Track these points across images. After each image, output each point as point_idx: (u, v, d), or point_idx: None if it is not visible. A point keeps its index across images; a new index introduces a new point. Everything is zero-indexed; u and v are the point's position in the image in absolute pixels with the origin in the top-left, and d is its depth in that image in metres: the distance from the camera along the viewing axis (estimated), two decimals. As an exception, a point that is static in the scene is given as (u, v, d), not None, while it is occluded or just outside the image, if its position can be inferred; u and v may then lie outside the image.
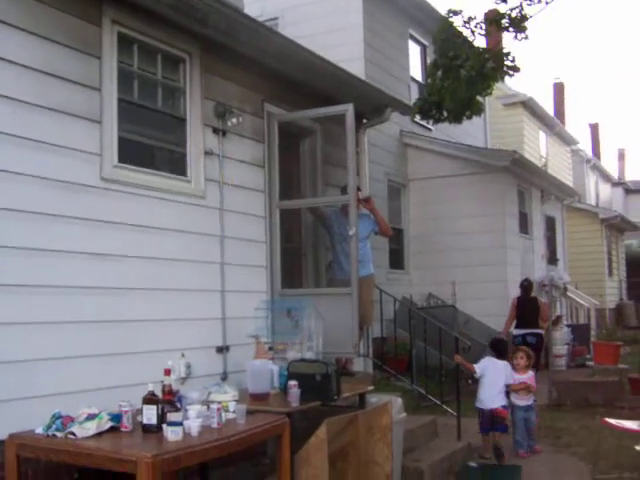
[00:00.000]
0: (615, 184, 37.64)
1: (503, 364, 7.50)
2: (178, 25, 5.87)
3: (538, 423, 8.04)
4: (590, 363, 13.10)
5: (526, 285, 12.24)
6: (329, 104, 7.26)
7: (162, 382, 4.51)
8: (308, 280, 7.99)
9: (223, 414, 4.40)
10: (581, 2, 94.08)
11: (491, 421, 7.25)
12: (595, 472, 6.61)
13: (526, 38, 9.97)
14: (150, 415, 4.11)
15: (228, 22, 6.02)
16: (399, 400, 6.26)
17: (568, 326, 14.54)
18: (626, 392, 9.42)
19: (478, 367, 7.49)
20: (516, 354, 7.72)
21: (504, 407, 7.32)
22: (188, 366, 5.61)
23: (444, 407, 7.88)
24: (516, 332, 11.79)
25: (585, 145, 32.30)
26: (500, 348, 7.84)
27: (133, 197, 5.43)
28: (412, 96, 13.41)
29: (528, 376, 7.61)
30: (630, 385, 9.40)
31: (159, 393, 4.27)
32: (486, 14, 10.77)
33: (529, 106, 22.48)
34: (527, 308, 11.87)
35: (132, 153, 5.59)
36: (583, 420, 8.74)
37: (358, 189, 7.53)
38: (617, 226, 24.70)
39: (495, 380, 7.35)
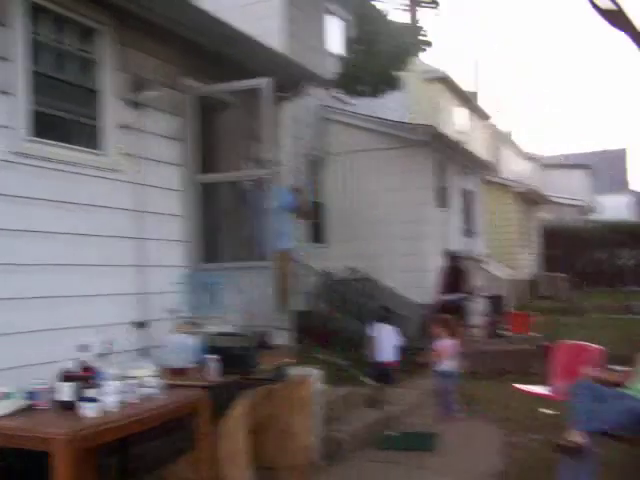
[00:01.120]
0: (530, 159, 38.64)
1: (391, 327, 8.80)
2: (91, -5, 5.73)
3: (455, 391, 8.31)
4: (505, 332, 13.50)
5: (452, 255, 12.74)
6: (249, 77, 7.21)
7: (79, 359, 4.47)
8: (228, 254, 7.96)
9: (141, 389, 4.38)
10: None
11: (381, 371, 8.35)
12: (507, 436, 6.86)
13: (441, 12, 10.14)
14: (66, 392, 4.07)
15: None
16: (318, 372, 6.34)
17: (484, 297, 14.92)
18: (538, 359, 9.73)
19: (370, 330, 8.75)
20: (433, 324, 7.98)
21: (392, 361, 8.58)
22: (107, 342, 5.53)
23: (363, 379, 8.01)
24: (448, 298, 12.18)
25: (502, 121, 33.00)
26: (384, 314, 9.27)
27: (46, 171, 5.30)
28: (332, 70, 13.43)
29: (443, 344, 7.90)
30: (542, 353, 9.72)
31: (77, 370, 4.22)
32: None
33: (447, 82, 22.82)
34: (454, 275, 12.34)
35: (45, 126, 5.44)
36: (497, 387, 9.02)
37: (276, 163, 7.53)
38: (531, 199, 25.38)
39: (383, 339, 8.55)
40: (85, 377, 4.23)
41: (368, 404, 7.53)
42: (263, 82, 6.89)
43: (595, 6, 8.68)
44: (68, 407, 4.02)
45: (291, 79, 8.50)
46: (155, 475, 5.21)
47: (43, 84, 5.49)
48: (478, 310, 13.70)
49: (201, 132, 7.17)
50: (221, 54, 7.28)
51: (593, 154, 52.44)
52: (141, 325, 6.07)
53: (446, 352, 7.89)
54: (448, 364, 7.91)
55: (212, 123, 7.98)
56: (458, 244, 15.35)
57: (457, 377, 8.02)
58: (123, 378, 4.48)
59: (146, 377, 4.55)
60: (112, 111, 6.04)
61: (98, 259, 5.72)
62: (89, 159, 5.78)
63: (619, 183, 49.71)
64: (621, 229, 28.40)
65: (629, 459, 5.26)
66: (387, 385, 8.19)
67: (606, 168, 47.98)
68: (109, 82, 6.05)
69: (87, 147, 5.84)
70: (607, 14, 8.66)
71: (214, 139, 7.99)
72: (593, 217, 36.88)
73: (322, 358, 8.44)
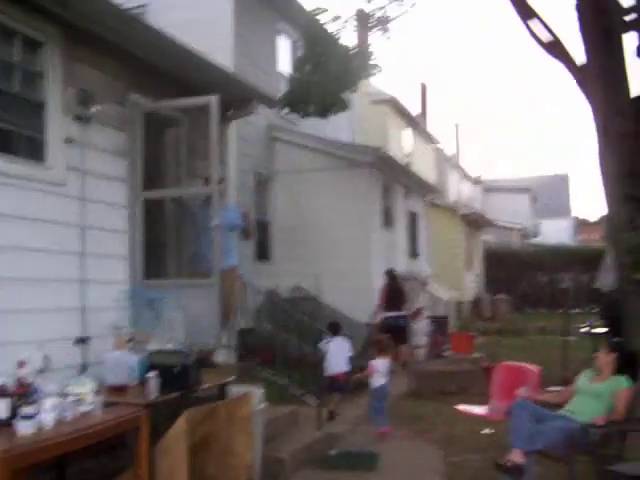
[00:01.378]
0: (474, 183, 39.28)
1: (341, 339, 8.81)
2: (38, 6, 5.67)
3: (397, 410, 8.40)
4: (448, 353, 13.66)
5: (394, 274, 13.04)
6: (196, 94, 7.23)
7: (16, 375, 4.39)
8: (171, 271, 7.92)
9: (79, 406, 4.32)
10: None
11: (332, 384, 8.40)
12: (448, 455, 6.94)
13: (390, 36, 10.30)
14: (0, 409, 3.99)
15: (91, 6, 5.88)
16: (259, 391, 6.32)
17: (428, 318, 15.08)
18: (479, 379, 9.88)
19: (321, 346, 8.66)
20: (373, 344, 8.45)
21: (343, 373, 8.55)
22: (45, 358, 5.42)
23: (305, 397, 8.03)
24: (388, 315, 12.54)
25: (448, 144, 33.53)
26: (335, 328, 9.21)
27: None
28: (281, 90, 13.50)
29: (374, 363, 8.14)
30: (483, 373, 9.87)
31: (13, 386, 4.15)
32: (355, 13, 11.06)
33: (394, 104, 23.10)
34: (395, 294, 12.66)
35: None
36: (439, 407, 9.10)
37: (222, 180, 7.54)
38: (476, 222, 25.80)
39: (335, 352, 8.58)
40: (21, 393, 4.16)
41: (328, 417, 8.01)
42: (211, 99, 6.91)
43: (536, 38, 8.96)
44: (2, 424, 3.94)
45: (239, 97, 8.52)
46: (93, 494, 5.14)
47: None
48: (422, 330, 13.85)
49: (147, 148, 7.14)
50: (169, 71, 7.28)
51: (536, 179, 53.48)
52: (82, 341, 5.98)
53: (376, 370, 8.09)
54: (379, 381, 8.08)
55: (159, 139, 7.95)
56: (402, 265, 15.51)
57: (387, 394, 8.18)
58: (62, 395, 4.42)
59: (85, 394, 4.49)
60: (58, 125, 5.99)
61: (40, 273, 5.64)
62: (33, 172, 5.70)
63: (561, 208, 50.80)
64: (561, 253, 29.06)
65: (558, 476, 5.37)
66: (342, 395, 8.45)
67: (549, 193, 48.99)
68: (55, 95, 5.99)
69: (32, 160, 5.77)
70: (546, 45, 8.95)
71: (160, 155, 7.97)
72: (535, 241, 37.64)
73: (265, 377, 8.44)
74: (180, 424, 4.94)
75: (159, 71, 7.21)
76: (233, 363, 8.28)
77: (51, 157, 5.94)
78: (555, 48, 9.05)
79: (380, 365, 8.15)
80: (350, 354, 8.79)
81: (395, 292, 12.75)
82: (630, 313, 8.81)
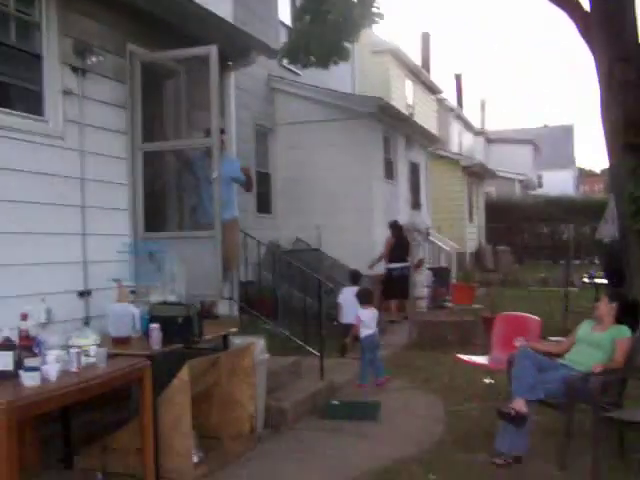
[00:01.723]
0: (477, 133, 39.05)
1: (356, 288, 9.40)
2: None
3: (398, 361, 8.48)
4: (449, 304, 13.74)
5: (399, 225, 13.15)
6: (195, 45, 7.12)
7: (20, 327, 4.43)
8: (172, 223, 7.91)
9: (83, 358, 4.36)
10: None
11: (347, 330, 8.98)
12: (448, 405, 7.02)
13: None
14: (5, 361, 4.03)
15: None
16: (262, 341, 6.38)
17: (430, 269, 15.13)
18: (480, 330, 9.94)
19: (340, 297, 9.70)
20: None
21: None
22: (48, 311, 5.45)
23: (308, 348, 8.08)
24: (393, 266, 12.69)
25: (450, 95, 33.24)
26: (355, 277, 10.39)
27: (-18, 136, 5.18)
28: (281, 40, 13.34)
29: (363, 312, 8.29)
30: (483, 324, 9.93)
31: (17, 339, 4.18)
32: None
33: (396, 54, 22.83)
34: (401, 245, 12.72)
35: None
36: (440, 358, 9.18)
37: (222, 132, 7.49)
38: (477, 173, 25.70)
39: (352, 301, 8.91)
40: (26, 346, 4.20)
41: (341, 352, 8.93)
42: (211, 49, 6.81)
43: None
44: (7, 376, 3.98)
45: (239, 47, 8.42)
46: (99, 444, 5.21)
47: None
48: (423, 282, 13.91)
49: (147, 100, 7.07)
50: (167, 21, 7.17)
51: (540, 129, 53.22)
52: (84, 294, 6.01)
53: (361, 320, 8.24)
54: (365, 332, 8.20)
55: (158, 91, 7.88)
56: (404, 216, 15.50)
57: (376, 344, 8.26)
58: (65, 347, 4.46)
59: (89, 346, 4.53)
60: (55, 76, 5.90)
61: (41, 227, 5.62)
62: (30, 125, 5.65)
63: (565, 159, 50.62)
64: (562, 204, 29.03)
65: (559, 424, 5.44)
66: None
67: (553, 144, 48.78)
68: (52, 46, 5.90)
69: (29, 113, 5.71)
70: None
71: (159, 107, 7.90)
72: (538, 192, 37.58)
73: (267, 328, 8.49)
74: (183, 375, 4.99)
75: (157, 21, 7.09)
76: (235, 315, 8.32)
77: (49, 110, 5.88)
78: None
79: (365, 315, 8.29)
80: None
81: (400, 243, 12.79)
82: (631, 263, 8.85)
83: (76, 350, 4.34)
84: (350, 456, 5.65)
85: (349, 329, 8.86)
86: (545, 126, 56.83)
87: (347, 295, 9.70)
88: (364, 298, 8.50)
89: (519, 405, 5.17)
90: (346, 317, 9.53)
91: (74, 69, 6.08)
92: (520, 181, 36.08)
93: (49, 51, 5.90)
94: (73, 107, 6.06)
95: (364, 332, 8.19)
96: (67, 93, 6.00)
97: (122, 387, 4.94)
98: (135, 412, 4.93)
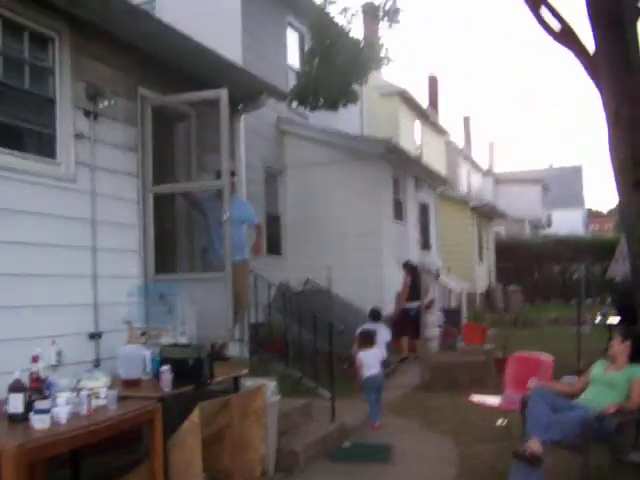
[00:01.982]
0: (486, 174, 39.18)
1: (382, 325, 10.31)
2: (47, 3, 5.68)
3: (409, 402, 8.40)
4: (460, 345, 13.63)
5: (414, 265, 13.41)
6: (205, 88, 7.21)
7: (31, 370, 4.41)
8: (182, 265, 7.94)
9: (93, 400, 4.34)
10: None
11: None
12: (460, 446, 6.93)
13: (398, 28, 10.29)
14: (16, 404, 4.01)
15: (100, 2, 5.87)
16: (272, 383, 6.33)
17: (440, 310, 15.07)
18: (492, 371, 9.86)
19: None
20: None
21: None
22: (59, 353, 5.46)
23: (319, 390, 8.03)
24: (409, 306, 12.86)
25: (458, 137, 33.45)
26: (375, 315, 10.75)
27: (-2, 180, 5.23)
28: (290, 83, 13.49)
29: (363, 354, 8.34)
30: (495, 364, 9.85)
31: (27, 381, 4.17)
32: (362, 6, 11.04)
33: (404, 97, 23.05)
34: (415, 285, 12.89)
35: (-3, 134, 5.39)
36: (451, 399, 9.10)
37: (233, 174, 7.55)
38: (486, 214, 25.72)
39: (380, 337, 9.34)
40: (36, 388, 4.18)
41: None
42: (221, 93, 6.90)
43: (546, 27, 8.91)
44: (18, 419, 3.96)
45: (248, 91, 8.52)
46: (108, 487, 5.17)
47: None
48: (434, 322, 13.84)
49: (157, 143, 7.14)
50: (178, 65, 7.28)
51: (549, 170, 53.35)
52: (95, 336, 6.01)
53: (362, 362, 8.27)
54: (367, 372, 8.16)
55: (169, 134, 7.96)
56: (414, 256, 15.48)
57: (379, 385, 8.21)
58: (76, 389, 4.45)
59: (99, 388, 4.51)
60: (67, 120, 5.99)
61: (52, 269, 5.65)
62: (43, 168, 5.71)
63: (574, 199, 50.65)
64: (572, 243, 28.94)
65: (574, 467, 5.36)
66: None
67: (562, 184, 48.83)
68: (64, 91, 5.99)
69: (41, 156, 5.78)
70: (556, 34, 8.90)
71: (170, 150, 7.97)
72: (547, 232, 37.52)
73: (278, 370, 8.45)
74: (194, 417, 4.95)
75: (168, 66, 7.21)
76: (246, 357, 8.29)
77: (61, 153, 5.95)
78: (565, 36, 8.98)
79: (365, 357, 8.28)
80: (389, 339, 10.10)
81: (415, 283, 12.89)
82: (643, 302, 8.77)
83: (86, 392, 4.32)
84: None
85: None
86: (551, 167, 57.01)
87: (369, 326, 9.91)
88: (364, 341, 8.55)
89: (534, 445, 5.09)
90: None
91: (86, 113, 6.16)
92: (529, 221, 36.07)
93: (62, 95, 5.99)
94: (85, 150, 6.12)
95: (368, 372, 8.14)
96: (79, 136, 6.07)
97: (133, 429, 4.91)
98: (146, 454, 4.89)
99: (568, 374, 7.56)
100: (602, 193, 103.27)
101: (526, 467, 5.10)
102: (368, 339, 8.57)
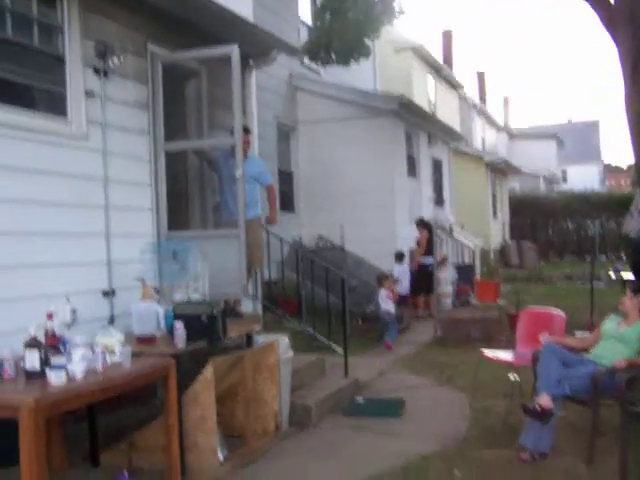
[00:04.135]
0: (500, 130, 38.81)
1: (405, 266, 12.83)
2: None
3: (422, 358, 8.45)
4: (474, 301, 13.68)
5: (425, 223, 13.59)
6: (216, 44, 7.14)
7: (46, 327, 4.46)
8: (195, 222, 7.95)
9: (108, 357, 4.39)
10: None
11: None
12: (472, 401, 6.98)
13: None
14: (32, 360, 4.05)
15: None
16: (285, 339, 6.39)
17: (454, 266, 15.08)
18: (504, 327, 9.88)
19: (396, 271, 12.26)
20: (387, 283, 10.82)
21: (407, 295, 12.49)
22: (73, 311, 5.48)
23: (332, 346, 8.08)
24: (427, 261, 12.99)
25: (472, 92, 33.07)
26: (399, 256, 12.77)
27: (8, 139, 5.23)
28: (302, 39, 13.35)
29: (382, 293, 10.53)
30: (508, 320, 9.87)
31: (43, 338, 4.21)
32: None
33: (418, 51, 22.79)
34: (430, 241, 12.92)
35: (8, 93, 5.37)
36: (464, 354, 9.13)
37: (248, 131, 7.52)
38: (501, 170, 25.56)
39: (400, 275, 12.17)
40: (52, 345, 4.23)
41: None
42: (232, 49, 6.82)
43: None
44: (35, 375, 4.01)
45: (260, 46, 8.44)
46: (125, 441, 5.25)
47: (5, 50, 5.40)
48: (447, 279, 13.86)
49: (168, 100, 7.10)
50: (188, 21, 7.20)
51: (565, 125, 52.83)
52: (109, 293, 6.06)
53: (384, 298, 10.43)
54: (386, 306, 10.35)
55: (179, 91, 7.91)
56: (427, 213, 15.45)
57: (393, 315, 10.39)
58: (91, 346, 4.49)
59: (113, 345, 4.56)
60: (77, 78, 5.95)
61: (66, 227, 5.68)
62: (55, 126, 5.71)
63: (591, 154, 50.21)
64: (587, 199, 28.76)
65: (585, 421, 5.39)
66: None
67: (577, 139, 48.39)
68: (74, 49, 5.94)
69: (52, 114, 5.77)
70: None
71: (181, 107, 7.93)
72: (562, 187, 37.28)
73: (291, 327, 8.50)
74: (207, 373, 5.01)
75: (177, 21, 7.13)
76: (259, 314, 8.34)
77: (72, 111, 5.93)
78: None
79: (386, 294, 10.45)
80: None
81: (430, 239, 12.95)
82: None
83: (101, 349, 4.37)
84: (374, 453, 5.64)
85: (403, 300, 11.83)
86: (569, 122, 56.39)
87: (398, 269, 12.49)
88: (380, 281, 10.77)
89: (544, 400, 5.13)
90: (400, 288, 11.82)
91: (96, 70, 6.12)
92: (544, 176, 35.82)
93: (71, 53, 5.95)
94: (95, 108, 6.10)
95: (383, 306, 10.25)
96: (89, 94, 6.04)
97: (147, 385, 4.97)
98: (160, 410, 4.96)
99: (580, 329, 7.57)
100: (622, 148, 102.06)
101: (537, 421, 5.15)
102: (383, 279, 10.76)
